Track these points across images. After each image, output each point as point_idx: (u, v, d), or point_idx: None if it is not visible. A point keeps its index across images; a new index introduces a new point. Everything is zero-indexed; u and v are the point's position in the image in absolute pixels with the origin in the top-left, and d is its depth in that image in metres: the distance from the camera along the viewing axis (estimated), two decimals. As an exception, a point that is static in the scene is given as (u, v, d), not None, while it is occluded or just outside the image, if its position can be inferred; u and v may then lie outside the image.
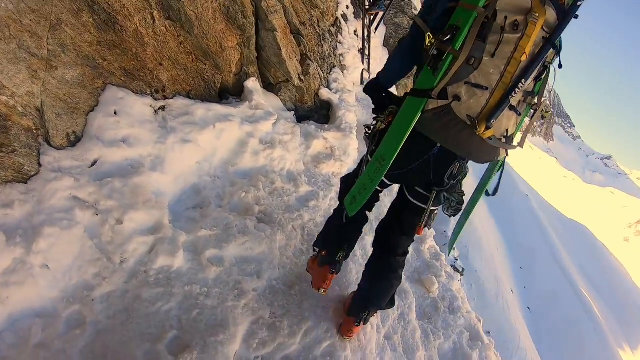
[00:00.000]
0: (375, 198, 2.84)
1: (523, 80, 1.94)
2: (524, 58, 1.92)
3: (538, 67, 1.98)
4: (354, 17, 8.63)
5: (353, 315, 2.78)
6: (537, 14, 1.86)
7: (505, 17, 1.86)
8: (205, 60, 3.88)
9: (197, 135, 3.44)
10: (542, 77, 2.12)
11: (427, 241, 5.08)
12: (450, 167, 2.25)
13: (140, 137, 3.07)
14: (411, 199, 2.45)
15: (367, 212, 2.93)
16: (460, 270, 35.68)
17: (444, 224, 40.59)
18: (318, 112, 5.71)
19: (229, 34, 4.01)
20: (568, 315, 59.85)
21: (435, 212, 2.47)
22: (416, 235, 2.58)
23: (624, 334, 69.52)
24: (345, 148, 5.28)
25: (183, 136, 3.34)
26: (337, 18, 7.42)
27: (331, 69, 6.43)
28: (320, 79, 5.65)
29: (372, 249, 2.78)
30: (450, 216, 2.34)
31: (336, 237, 2.89)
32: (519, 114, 2.08)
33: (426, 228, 3.59)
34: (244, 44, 4.33)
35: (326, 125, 5.49)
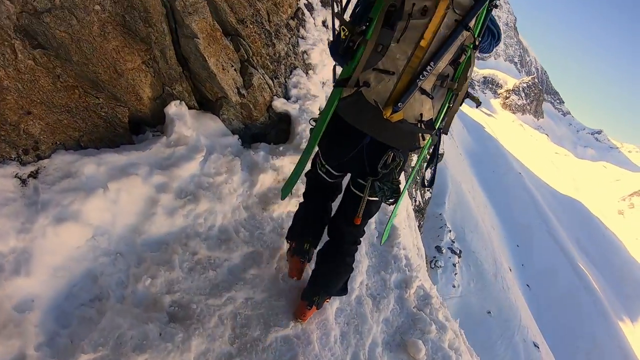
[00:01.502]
0: (334, 189, 2.98)
1: (432, 64, 1.98)
2: (427, 42, 1.98)
3: (449, 50, 2.00)
4: (322, 5, 7.28)
5: (305, 299, 2.88)
6: None
7: (413, 4, 1.92)
8: (97, 92, 3.04)
9: (82, 206, 2.60)
10: (461, 60, 2.12)
11: (412, 284, 4.13)
12: (383, 157, 2.29)
13: (-4, 228, 2.31)
14: (352, 187, 2.55)
15: (329, 204, 3.06)
16: (458, 252, 38.06)
17: (440, 207, 41.29)
18: (275, 127, 4.70)
19: (127, 52, 3.09)
20: (567, 290, 61.53)
21: (376, 202, 2.52)
22: (356, 224, 2.56)
23: (623, 306, 70.77)
24: (306, 174, 4.14)
25: (60, 211, 2.51)
26: (298, 8, 5.87)
27: (291, 72, 5.23)
28: (270, 88, 4.47)
29: None
30: (388, 204, 2.43)
31: (300, 228, 3.09)
32: (432, 98, 2.12)
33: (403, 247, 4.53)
34: (157, 59, 3.39)
35: (281, 147, 4.37)
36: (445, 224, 40.04)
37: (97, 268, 2.58)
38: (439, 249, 37.15)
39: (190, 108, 3.75)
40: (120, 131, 3.28)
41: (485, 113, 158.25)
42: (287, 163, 4.08)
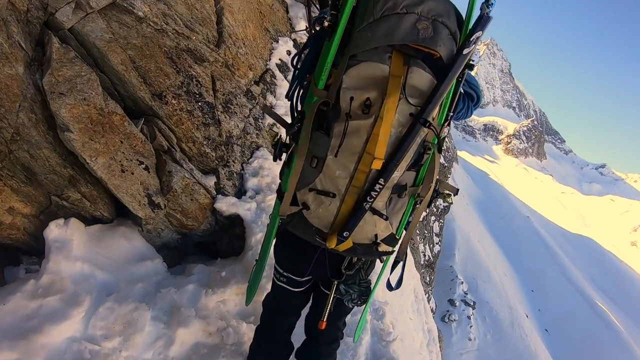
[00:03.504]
0: (299, 303, 2.35)
1: (381, 180, 1.55)
2: (374, 150, 1.52)
3: (406, 155, 1.56)
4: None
5: None
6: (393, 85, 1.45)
7: (351, 98, 1.49)
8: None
9: None
10: (423, 162, 1.69)
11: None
12: (345, 258, 1.96)
13: None
14: (321, 287, 2.20)
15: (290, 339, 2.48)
16: (472, 304, 38.42)
17: (450, 260, 42.80)
18: (228, 233, 3.62)
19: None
20: (587, 330, 60.37)
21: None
22: (321, 328, 2.08)
23: (646, 337, 67.36)
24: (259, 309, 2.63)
25: None
26: (267, 70, 4.47)
27: (252, 153, 3.91)
28: (206, 188, 3.27)
29: None
30: (356, 306, 2.09)
31: None
32: (386, 219, 1.69)
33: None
34: (23, 161, 2.46)
35: (225, 272, 3.15)
36: (457, 276, 39.79)
37: None
38: (451, 302, 37.13)
39: (94, 221, 2.88)
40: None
41: (489, 160, 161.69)
42: (231, 296, 3.02)
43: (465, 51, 1.48)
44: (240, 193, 3.69)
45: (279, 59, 4.73)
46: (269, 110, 1.95)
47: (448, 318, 35.32)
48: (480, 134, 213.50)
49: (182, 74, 3.12)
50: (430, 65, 1.51)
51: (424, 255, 22.50)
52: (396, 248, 1.91)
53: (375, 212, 1.66)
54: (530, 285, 67.08)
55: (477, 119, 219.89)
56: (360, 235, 1.71)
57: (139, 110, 3.01)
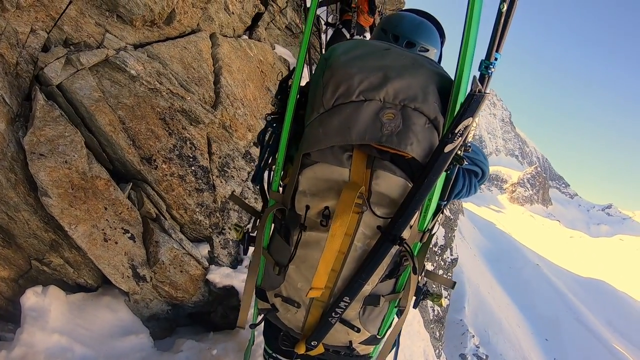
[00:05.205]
0: None
1: (346, 298, 1.34)
2: (337, 264, 1.32)
3: (376, 271, 1.30)
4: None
5: None
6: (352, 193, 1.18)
7: (307, 207, 1.28)
8: None
9: None
10: (400, 274, 1.42)
11: None
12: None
13: None
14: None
15: None
16: (484, 357, 37.72)
17: (459, 313, 42.91)
18: (223, 304, 3.35)
19: None
20: None
21: None
22: None
23: (667, 375, 66.21)
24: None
25: None
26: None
27: (250, 219, 3.65)
28: (197, 260, 3.02)
29: None
30: None
31: None
32: (358, 331, 1.48)
33: None
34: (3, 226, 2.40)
35: (216, 349, 2.86)
36: (468, 330, 39.06)
37: None
38: (463, 356, 36.43)
39: (78, 288, 2.73)
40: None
41: (494, 210, 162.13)
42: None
43: (447, 148, 1.09)
44: (236, 262, 3.46)
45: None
46: (238, 199, 1.76)
47: (459, 374, 34.23)
48: (484, 184, 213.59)
49: (174, 136, 2.94)
50: (403, 166, 1.21)
51: (433, 310, 21.83)
52: (381, 344, 1.68)
53: (345, 323, 1.47)
54: (544, 334, 66.53)
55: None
56: (333, 340, 1.54)
57: (127, 174, 2.82)
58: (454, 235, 24.15)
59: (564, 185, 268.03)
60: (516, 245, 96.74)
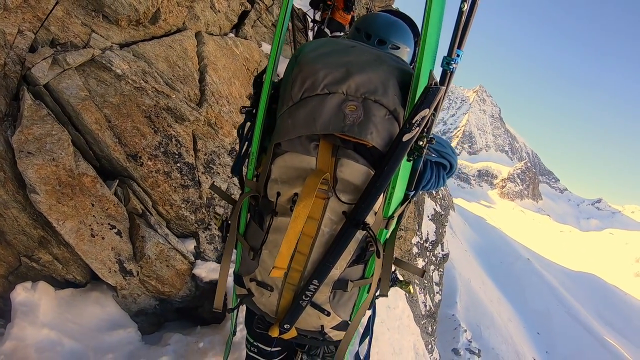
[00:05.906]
0: None
1: (315, 281, 1.41)
2: (305, 248, 1.41)
3: (342, 255, 1.38)
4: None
5: None
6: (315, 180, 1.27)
7: (278, 194, 1.38)
8: None
9: None
10: (367, 259, 1.49)
11: None
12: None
13: None
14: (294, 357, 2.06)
15: None
16: (477, 351, 37.81)
17: (451, 308, 42.81)
18: (210, 298, 3.38)
19: None
20: None
21: None
22: None
23: (659, 366, 67.09)
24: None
25: None
26: None
27: None
28: (183, 254, 3.08)
29: None
30: None
31: None
32: (329, 314, 1.55)
33: None
34: None
35: (202, 343, 2.97)
36: (460, 324, 39.26)
37: None
38: (455, 351, 36.50)
39: (66, 284, 2.78)
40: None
41: (485, 205, 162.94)
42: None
43: (405, 137, 1.16)
44: (220, 259, 3.49)
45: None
46: (217, 189, 1.84)
47: (452, 368, 34.29)
48: (474, 180, 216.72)
49: (160, 134, 3.01)
50: (366, 155, 1.30)
51: (425, 305, 21.90)
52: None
53: (316, 306, 1.54)
54: (536, 328, 66.80)
55: (470, 165, 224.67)
56: (305, 325, 1.60)
57: (114, 171, 2.89)
58: (445, 231, 24.16)
59: (553, 180, 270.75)
60: (507, 240, 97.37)
